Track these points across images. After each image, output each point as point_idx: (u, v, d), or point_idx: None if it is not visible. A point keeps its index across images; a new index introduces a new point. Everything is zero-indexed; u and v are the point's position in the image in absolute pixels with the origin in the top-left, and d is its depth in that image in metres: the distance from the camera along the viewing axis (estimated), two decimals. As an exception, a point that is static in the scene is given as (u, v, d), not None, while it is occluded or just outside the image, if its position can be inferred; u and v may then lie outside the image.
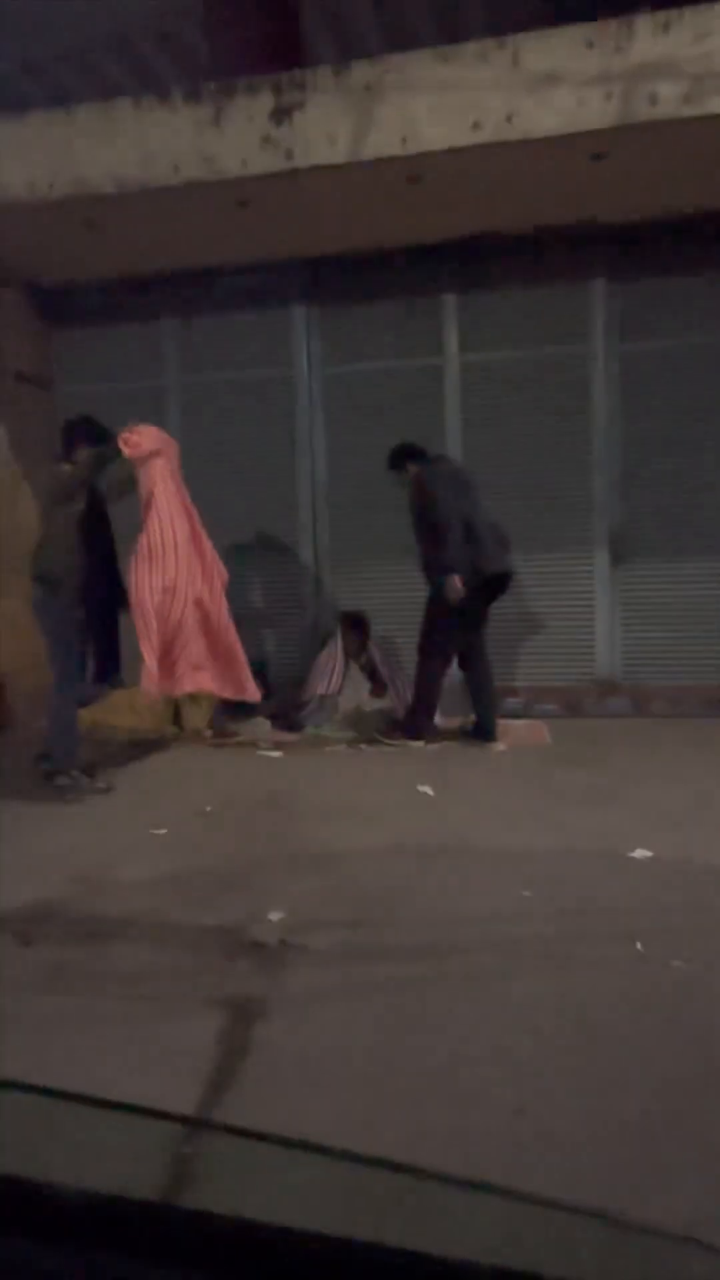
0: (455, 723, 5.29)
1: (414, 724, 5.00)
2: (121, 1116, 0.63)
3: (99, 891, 3.16)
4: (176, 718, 5.73)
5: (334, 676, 5.70)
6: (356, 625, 5.77)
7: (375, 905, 2.93)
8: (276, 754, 5.22)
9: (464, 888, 3.07)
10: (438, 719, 5.39)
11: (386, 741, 4.88)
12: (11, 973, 2.54)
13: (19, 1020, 2.28)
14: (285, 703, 5.90)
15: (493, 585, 4.99)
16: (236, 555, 6.42)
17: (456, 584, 4.78)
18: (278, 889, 3.09)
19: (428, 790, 4.33)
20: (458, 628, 4.97)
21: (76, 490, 4.31)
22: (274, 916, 2.83)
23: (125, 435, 4.28)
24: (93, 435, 4.43)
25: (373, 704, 5.63)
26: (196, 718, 5.69)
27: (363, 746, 5.26)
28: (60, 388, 6.51)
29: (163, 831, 3.80)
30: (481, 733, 5.09)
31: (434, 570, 4.90)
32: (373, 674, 5.71)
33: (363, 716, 5.53)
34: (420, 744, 4.92)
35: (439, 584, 4.87)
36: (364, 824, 3.84)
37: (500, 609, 5.19)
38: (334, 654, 5.74)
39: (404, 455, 5.12)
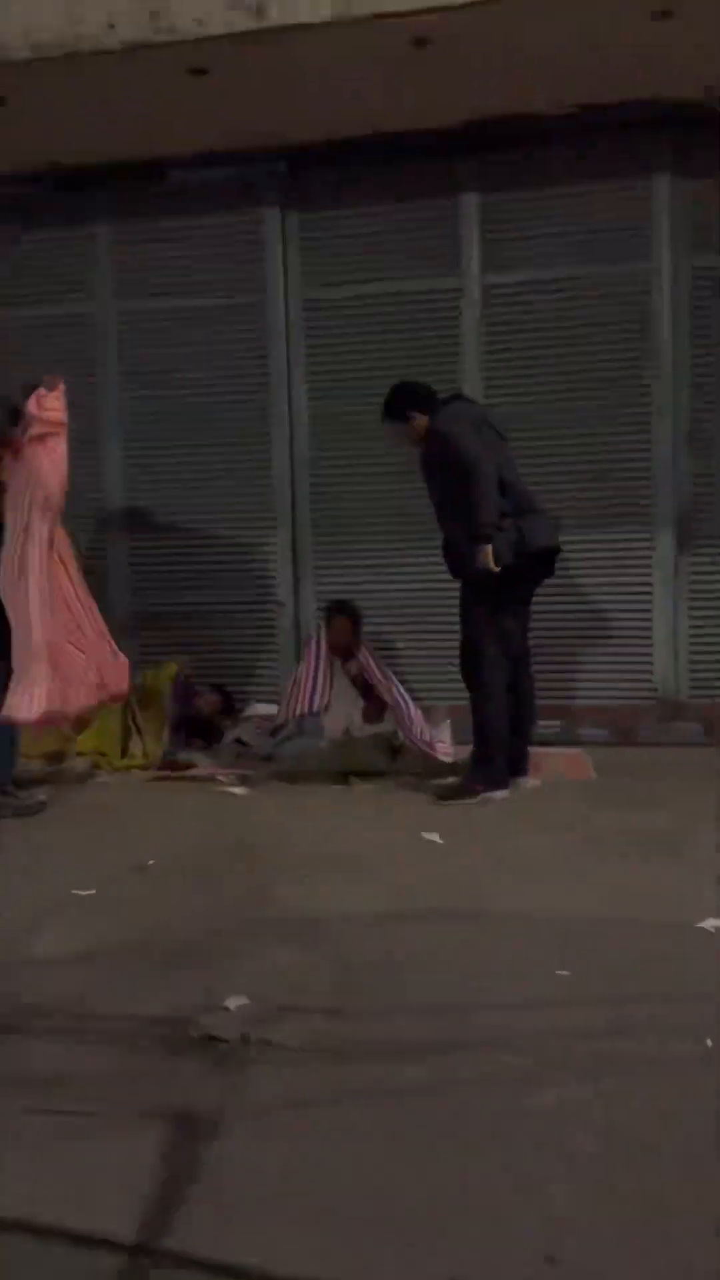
0: (469, 750, 5.25)
1: (489, 773, 4.88)
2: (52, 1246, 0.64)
3: (6, 972, 3.15)
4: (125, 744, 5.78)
5: (318, 691, 5.66)
6: (345, 617, 5.74)
7: (365, 988, 2.93)
8: (241, 790, 5.23)
9: (480, 965, 3.07)
10: (449, 747, 5.41)
11: (461, 800, 4.79)
12: None
13: None
14: (255, 725, 5.91)
15: (537, 567, 4.88)
16: (189, 539, 6.45)
17: (488, 555, 4.59)
18: (239, 967, 3.08)
19: (435, 837, 4.34)
20: (504, 644, 4.89)
21: None
22: (233, 1003, 2.83)
23: (41, 395, 4.39)
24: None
25: (365, 729, 5.62)
26: (151, 745, 5.71)
27: (353, 780, 5.27)
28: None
29: (90, 892, 3.80)
30: (511, 764, 5.05)
31: (461, 550, 4.76)
32: (365, 689, 5.68)
33: (353, 743, 5.53)
34: (504, 793, 4.85)
35: (474, 572, 4.69)
36: (352, 881, 3.84)
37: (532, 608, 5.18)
38: (316, 662, 5.69)
39: (406, 400, 4.96)
